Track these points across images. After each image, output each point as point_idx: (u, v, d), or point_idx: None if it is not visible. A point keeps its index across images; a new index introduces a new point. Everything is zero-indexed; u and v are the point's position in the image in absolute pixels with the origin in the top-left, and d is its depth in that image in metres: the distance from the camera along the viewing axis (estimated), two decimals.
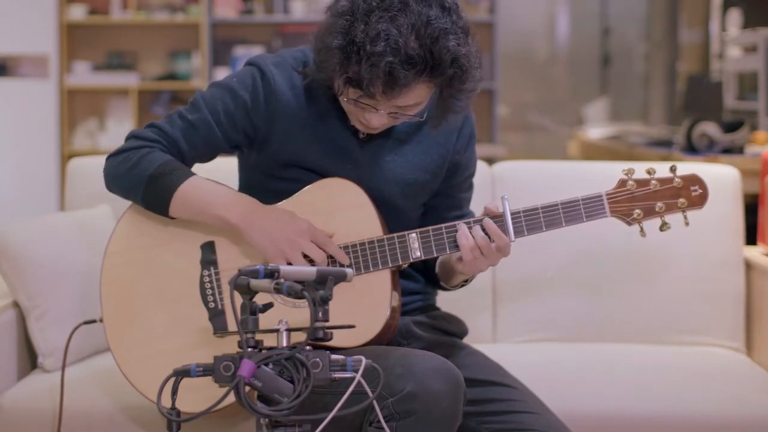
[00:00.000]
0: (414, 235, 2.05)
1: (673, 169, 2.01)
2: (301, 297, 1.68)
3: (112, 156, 2.15)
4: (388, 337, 2.07)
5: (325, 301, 1.68)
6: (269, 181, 2.15)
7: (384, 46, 1.89)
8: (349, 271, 1.74)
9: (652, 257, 2.66)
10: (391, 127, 2.10)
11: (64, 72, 6.51)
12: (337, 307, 1.84)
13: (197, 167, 2.19)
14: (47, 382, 2.40)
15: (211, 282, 2.12)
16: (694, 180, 2.02)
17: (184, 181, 2.08)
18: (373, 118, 2.01)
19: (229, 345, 2.03)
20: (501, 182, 2.75)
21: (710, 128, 4.24)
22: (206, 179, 2.12)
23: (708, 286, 2.67)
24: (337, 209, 2.08)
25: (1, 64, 6.44)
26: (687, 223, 2.02)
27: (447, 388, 1.90)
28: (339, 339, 1.90)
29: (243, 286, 1.71)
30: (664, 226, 2.01)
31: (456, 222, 2.05)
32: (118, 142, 2.28)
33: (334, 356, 1.70)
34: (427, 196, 2.18)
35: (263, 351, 1.69)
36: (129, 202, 2.17)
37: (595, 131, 6.45)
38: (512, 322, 2.72)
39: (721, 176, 2.69)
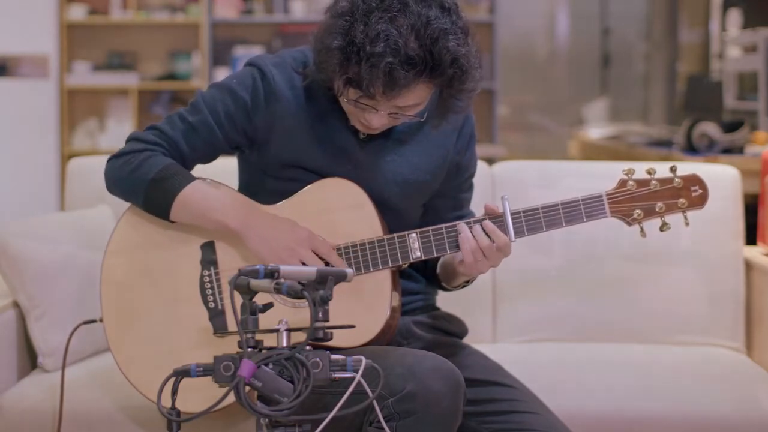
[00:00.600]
0: (414, 235, 2.05)
1: (673, 170, 2.01)
2: (301, 297, 1.68)
3: (113, 158, 2.15)
4: (388, 337, 2.07)
5: (325, 301, 1.69)
6: (269, 181, 2.15)
7: (384, 47, 1.89)
8: (349, 271, 1.74)
9: (652, 257, 2.66)
10: (391, 127, 2.10)
11: (64, 72, 6.51)
12: (337, 307, 1.84)
13: (198, 167, 2.19)
14: (47, 382, 2.40)
15: (211, 282, 2.12)
16: (694, 180, 2.02)
17: (185, 185, 2.08)
18: (373, 119, 2.01)
19: (229, 345, 2.03)
20: (501, 182, 2.75)
21: (710, 128, 4.24)
22: (207, 183, 2.11)
23: (708, 286, 2.67)
24: (337, 209, 2.08)
25: (1, 64, 6.44)
26: (687, 223, 2.02)
27: (447, 388, 1.90)
28: (339, 339, 1.90)
29: (243, 286, 1.71)
30: (664, 227, 2.01)
31: (456, 222, 2.05)
32: (118, 142, 2.28)
33: (334, 356, 1.70)
34: (427, 196, 2.18)
35: (263, 351, 1.69)
36: (129, 203, 2.17)
37: (595, 131, 6.45)
38: (512, 322, 2.72)
39: (721, 176, 2.69)
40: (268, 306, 1.75)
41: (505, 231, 2.01)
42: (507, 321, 2.72)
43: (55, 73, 6.48)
